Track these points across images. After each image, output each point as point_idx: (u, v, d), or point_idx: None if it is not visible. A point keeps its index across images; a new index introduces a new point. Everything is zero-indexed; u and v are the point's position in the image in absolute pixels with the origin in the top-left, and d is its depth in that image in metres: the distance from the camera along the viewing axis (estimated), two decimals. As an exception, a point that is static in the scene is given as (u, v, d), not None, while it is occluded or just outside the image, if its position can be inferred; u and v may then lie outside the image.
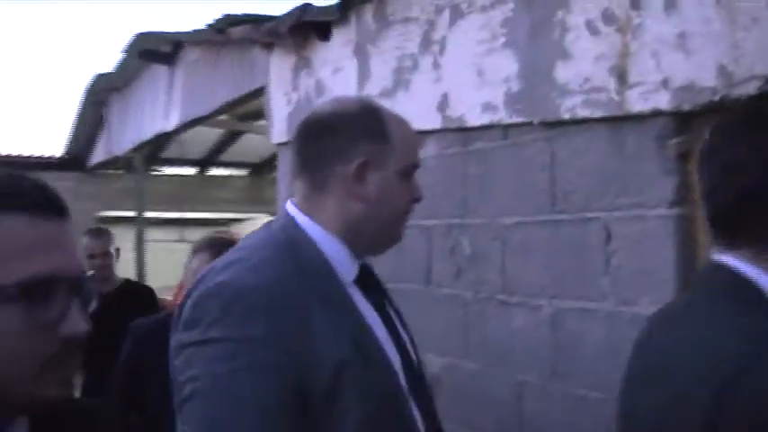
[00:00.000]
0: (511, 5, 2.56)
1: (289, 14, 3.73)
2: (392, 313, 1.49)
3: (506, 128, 2.62)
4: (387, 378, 1.32)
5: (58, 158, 9.88)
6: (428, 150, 3.01)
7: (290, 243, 1.35)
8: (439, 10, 2.89)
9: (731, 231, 1.10)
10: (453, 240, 2.89)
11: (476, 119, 2.72)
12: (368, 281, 1.45)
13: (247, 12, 4.43)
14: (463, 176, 2.84)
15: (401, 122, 1.44)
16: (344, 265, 1.38)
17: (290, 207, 1.42)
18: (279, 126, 4.22)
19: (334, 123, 1.40)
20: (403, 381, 1.36)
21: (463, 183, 2.84)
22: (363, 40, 3.39)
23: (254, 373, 1.18)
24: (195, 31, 5.11)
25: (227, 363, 1.18)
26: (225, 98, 5.18)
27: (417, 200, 1.46)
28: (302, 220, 1.38)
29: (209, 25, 4.60)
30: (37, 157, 9.88)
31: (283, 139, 4.14)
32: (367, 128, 1.39)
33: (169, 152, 9.80)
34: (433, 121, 2.93)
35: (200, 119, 5.91)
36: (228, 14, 4.38)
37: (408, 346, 1.47)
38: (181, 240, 11.98)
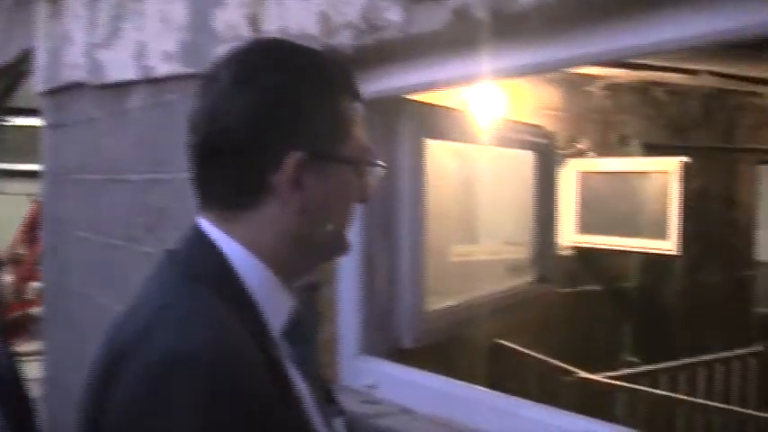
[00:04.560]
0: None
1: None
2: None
3: (187, 78, 2.51)
4: None
5: None
6: (132, 102, 2.89)
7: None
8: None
9: (200, 193, 1.01)
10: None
11: (161, 69, 2.60)
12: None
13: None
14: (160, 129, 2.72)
15: None
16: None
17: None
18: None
19: None
20: None
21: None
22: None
23: None
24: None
25: None
26: (19, 46, 4.90)
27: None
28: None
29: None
30: None
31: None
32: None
33: (18, 102, 9.28)
34: (131, 72, 2.80)
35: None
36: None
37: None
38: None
